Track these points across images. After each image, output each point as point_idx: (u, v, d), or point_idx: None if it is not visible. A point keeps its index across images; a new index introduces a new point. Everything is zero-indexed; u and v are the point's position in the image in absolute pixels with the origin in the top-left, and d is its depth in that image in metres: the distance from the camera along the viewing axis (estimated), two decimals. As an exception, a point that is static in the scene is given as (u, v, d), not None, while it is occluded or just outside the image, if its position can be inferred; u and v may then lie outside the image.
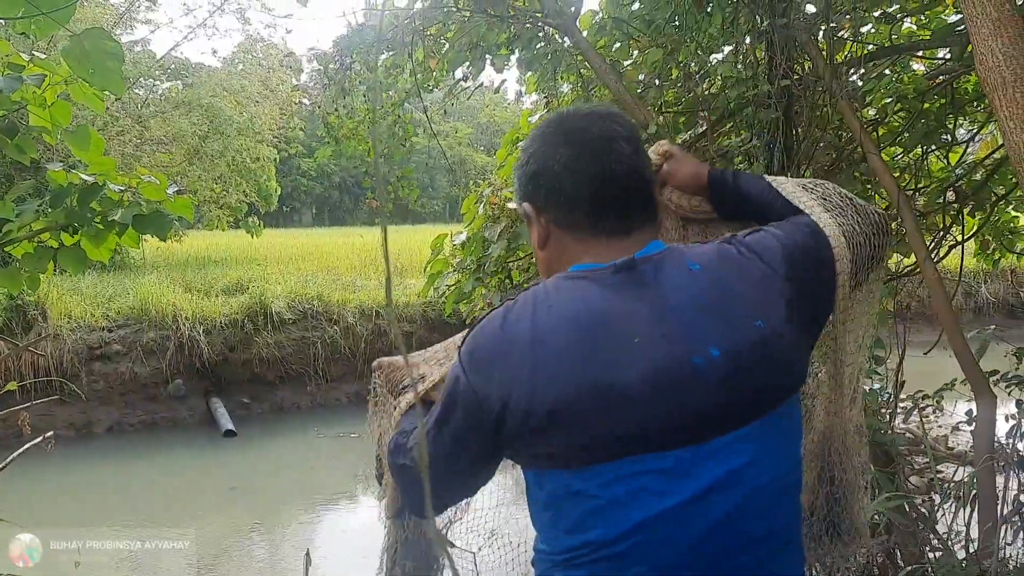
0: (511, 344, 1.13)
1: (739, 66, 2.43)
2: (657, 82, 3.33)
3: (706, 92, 3.19)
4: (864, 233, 1.29)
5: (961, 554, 2.36)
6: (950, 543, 2.39)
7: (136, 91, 16.54)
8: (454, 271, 4.48)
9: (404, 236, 15.87)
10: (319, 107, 4.24)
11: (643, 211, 1.23)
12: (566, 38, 3.37)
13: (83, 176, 2.61)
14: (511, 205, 4.06)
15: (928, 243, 3.77)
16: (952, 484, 2.76)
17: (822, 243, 1.26)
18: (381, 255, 9.47)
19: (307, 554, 2.18)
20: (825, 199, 1.33)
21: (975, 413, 2.58)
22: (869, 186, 3.76)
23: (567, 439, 1.09)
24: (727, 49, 2.72)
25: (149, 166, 15.81)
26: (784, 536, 1.17)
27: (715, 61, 2.76)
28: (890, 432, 2.80)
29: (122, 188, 2.67)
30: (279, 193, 21.33)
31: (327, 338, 10.56)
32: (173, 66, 17.02)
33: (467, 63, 3.95)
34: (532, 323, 1.13)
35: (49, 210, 2.63)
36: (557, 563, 1.16)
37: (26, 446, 2.89)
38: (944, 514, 2.60)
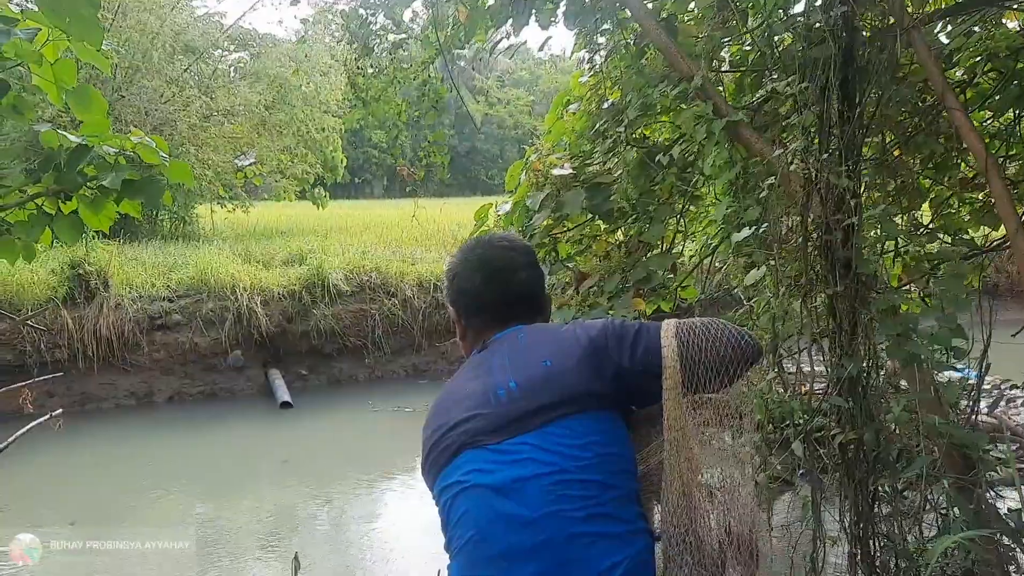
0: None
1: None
2: (713, 32, 2.97)
3: (777, 48, 2.81)
4: (711, 346, 1.56)
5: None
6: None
7: (205, 62, 16.64)
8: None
9: (470, 207, 15.63)
10: (353, 69, 3.98)
11: (525, 312, 1.76)
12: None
13: (71, 137, 2.41)
14: (557, 171, 3.77)
15: (1020, 214, 3.33)
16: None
17: (648, 332, 1.61)
18: (441, 227, 9.37)
19: (295, 559, 1.95)
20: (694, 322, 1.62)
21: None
22: (955, 153, 3.34)
23: (428, 460, 1.63)
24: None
25: (217, 137, 15.93)
26: (582, 513, 1.49)
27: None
28: (970, 429, 2.41)
29: (116, 151, 2.47)
30: (345, 164, 21.30)
31: (385, 311, 10.43)
32: (240, 36, 17.05)
33: (509, 19, 3.65)
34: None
35: (40, 174, 2.45)
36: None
37: (30, 424, 2.75)
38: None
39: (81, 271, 9.24)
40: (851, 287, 1.91)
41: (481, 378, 1.65)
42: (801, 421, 1.96)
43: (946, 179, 3.60)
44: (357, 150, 39.31)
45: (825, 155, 1.84)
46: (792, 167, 1.93)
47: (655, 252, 3.72)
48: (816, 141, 1.88)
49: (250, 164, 16.82)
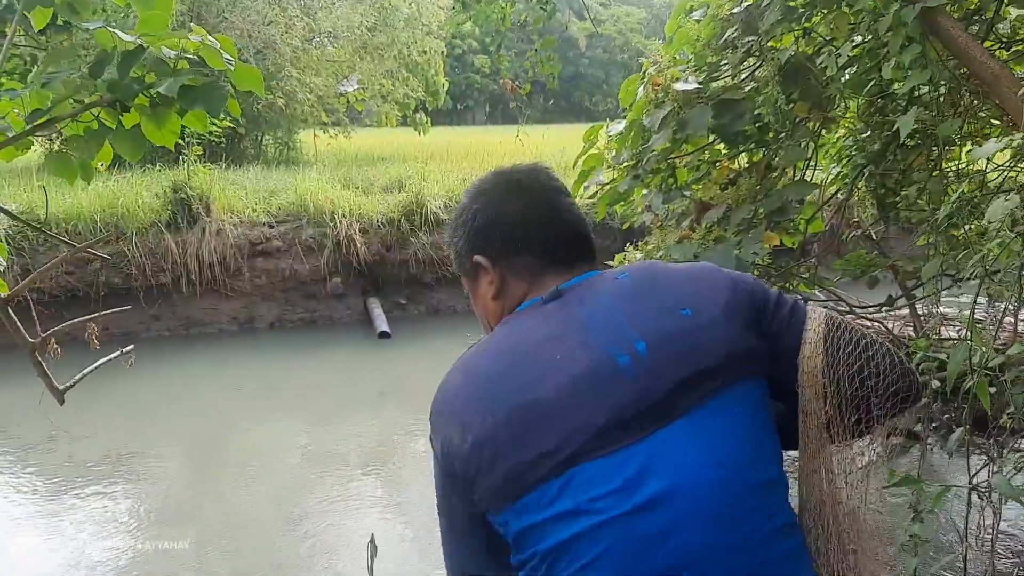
0: (445, 399, 1.16)
1: None
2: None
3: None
4: (863, 353, 1.14)
5: None
6: None
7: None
8: (609, 167, 3.76)
9: (573, 133, 15.05)
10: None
11: (587, 251, 1.27)
12: None
13: (123, 36, 2.08)
14: (679, 86, 3.29)
15: None
16: None
17: (790, 299, 1.20)
18: (544, 153, 8.96)
19: (371, 541, 1.62)
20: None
21: None
22: None
23: (503, 467, 1.05)
24: None
25: (319, 60, 15.73)
26: (776, 522, 1.05)
27: None
28: None
29: (175, 53, 2.13)
30: (447, 89, 20.87)
31: (484, 240, 10.10)
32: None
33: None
34: (462, 373, 1.16)
35: (91, 81, 2.13)
36: None
37: (101, 360, 2.52)
38: None
39: (183, 195, 9.21)
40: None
41: (572, 338, 1.10)
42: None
43: None
44: (459, 75, 38.83)
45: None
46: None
47: (787, 179, 3.27)
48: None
49: (353, 89, 16.60)
